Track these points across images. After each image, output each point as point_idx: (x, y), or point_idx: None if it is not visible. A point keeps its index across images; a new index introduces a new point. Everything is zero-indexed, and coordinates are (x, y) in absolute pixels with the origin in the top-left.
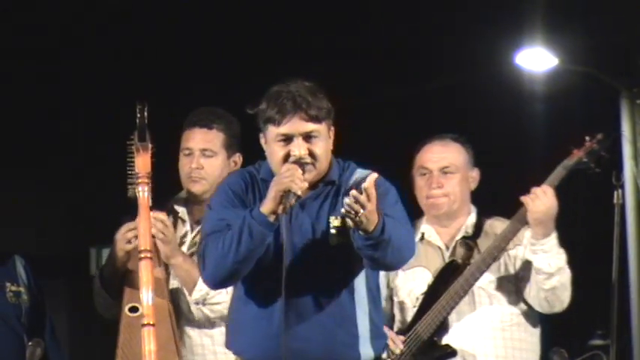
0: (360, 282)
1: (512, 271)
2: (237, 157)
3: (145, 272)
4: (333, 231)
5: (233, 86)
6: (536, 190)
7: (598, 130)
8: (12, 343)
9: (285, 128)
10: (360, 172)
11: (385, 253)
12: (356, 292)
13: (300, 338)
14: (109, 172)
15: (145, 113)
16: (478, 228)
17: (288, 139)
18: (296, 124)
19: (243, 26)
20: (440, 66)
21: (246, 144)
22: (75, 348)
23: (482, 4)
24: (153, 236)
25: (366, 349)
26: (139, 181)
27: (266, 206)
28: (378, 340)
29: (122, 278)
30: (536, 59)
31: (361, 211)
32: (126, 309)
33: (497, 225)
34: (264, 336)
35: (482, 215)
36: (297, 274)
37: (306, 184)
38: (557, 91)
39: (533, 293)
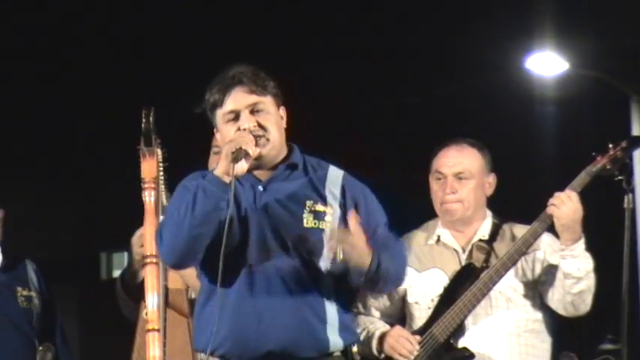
0: (326, 269)
1: (529, 275)
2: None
3: (151, 277)
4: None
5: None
6: (561, 196)
7: (608, 135)
8: (23, 347)
9: (229, 105)
10: (332, 170)
11: (385, 284)
12: (321, 279)
13: (268, 322)
14: (119, 178)
15: (151, 118)
16: (494, 232)
17: (236, 116)
18: (239, 98)
19: (260, 29)
20: (450, 71)
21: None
22: (85, 352)
23: (492, 9)
24: None
25: (334, 336)
26: (145, 186)
27: (218, 168)
28: (347, 333)
29: (141, 282)
30: (546, 63)
31: (349, 252)
32: (143, 312)
33: (514, 229)
34: (234, 329)
35: (498, 220)
36: (262, 256)
37: (257, 150)
38: (568, 95)
39: (558, 297)
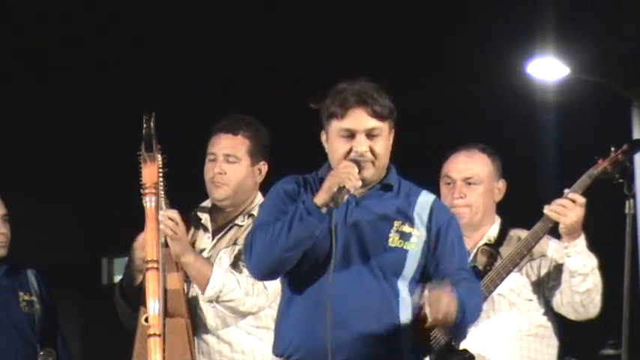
0: (405, 288)
1: (534, 280)
2: (262, 166)
3: (152, 283)
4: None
5: (265, 95)
6: (564, 202)
7: (610, 140)
8: (25, 351)
9: (348, 122)
10: (424, 195)
11: (465, 331)
12: (398, 296)
13: (343, 334)
14: (120, 182)
15: (152, 123)
16: (501, 237)
17: (350, 135)
18: (360, 119)
19: (259, 33)
20: (451, 76)
21: (273, 155)
22: (86, 357)
23: (493, 14)
24: (165, 245)
25: (407, 352)
26: (146, 191)
27: (319, 197)
28: (421, 348)
29: (140, 288)
30: (547, 69)
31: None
32: (142, 319)
33: (520, 234)
34: (310, 336)
35: (507, 226)
36: (344, 270)
37: (359, 183)
38: (569, 100)
39: (567, 299)
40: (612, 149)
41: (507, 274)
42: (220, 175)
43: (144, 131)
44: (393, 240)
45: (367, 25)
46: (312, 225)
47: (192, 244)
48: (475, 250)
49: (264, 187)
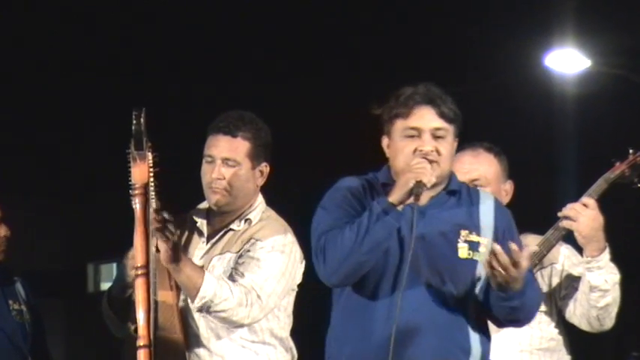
0: (473, 300)
1: (545, 290)
2: (264, 167)
3: (141, 291)
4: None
5: (265, 89)
6: (575, 207)
7: (631, 135)
8: None
9: (414, 121)
10: (484, 198)
11: (517, 314)
12: (468, 310)
13: (410, 347)
14: (108, 184)
15: (142, 120)
16: None
17: (416, 134)
18: (426, 118)
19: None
20: (466, 69)
21: (275, 154)
22: None
23: (510, 5)
24: (157, 250)
25: None
26: (136, 192)
27: (394, 195)
28: None
29: (130, 298)
30: (566, 61)
31: (502, 274)
32: (132, 329)
33: (530, 240)
34: (372, 346)
35: None
36: (413, 281)
37: (435, 179)
38: (589, 94)
39: (582, 311)
40: (630, 151)
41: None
42: (219, 180)
43: (133, 128)
44: (462, 251)
45: (378, 17)
46: (390, 225)
47: (186, 247)
48: None
49: (266, 190)
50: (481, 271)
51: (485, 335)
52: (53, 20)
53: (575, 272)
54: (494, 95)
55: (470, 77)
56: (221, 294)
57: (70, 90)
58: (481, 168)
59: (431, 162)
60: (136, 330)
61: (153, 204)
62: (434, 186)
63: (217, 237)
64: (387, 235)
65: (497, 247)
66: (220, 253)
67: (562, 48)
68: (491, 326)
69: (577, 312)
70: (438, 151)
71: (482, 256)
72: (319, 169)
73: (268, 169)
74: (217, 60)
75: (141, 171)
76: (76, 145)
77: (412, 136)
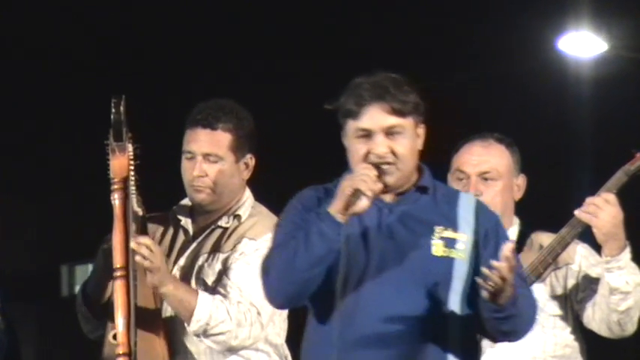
0: (456, 304)
1: (560, 293)
2: (249, 159)
3: (120, 294)
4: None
5: (246, 75)
6: (596, 201)
7: None
8: None
9: (364, 121)
10: (464, 196)
11: (514, 326)
12: (445, 314)
13: (380, 357)
14: (83, 178)
15: (122, 108)
16: (520, 242)
17: (368, 134)
18: (376, 117)
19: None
20: (474, 53)
21: (261, 144)
22: None
23: None
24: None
25: None
26: (114, 187)
27: (333, 205)
28: None
29: (109, 299)
30: (582, 44)
31: (499, 284)
32: (110, 336)
33: (543, 239)
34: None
35: (526, 228)
36: (382, 285)
37: (378, 187)
38: (606, 79)
39: (602, 316)
40: None
41: (530, 286)
42: (201, 178)
43: (112, 117)
44: (437, 248)
45: (387, 6)
46: (329, 238)
47: (171, 247)
48: None
49: (253, 183)
50: (460, 271)
51: (471, 351)
52: (22, 6)
53: (593, 273)
54: (504, 82)
55: (477, 63)
56: (217, 315)
57: (37, 78)
58: (492, 160)
59: (387, 165)
60: (114, 337)
61: (133, 200)
62: (394, 190)
63: (204, 235)
64: (326, 249)
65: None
66: (209, 252)
67: (577, 31)
68: None
69: (596, 317)
70: (393, 152)
71: (460, 254)
72: (313, 165)
73: (254, 160)
74: (202, 45)
75: (120, 164)
76: (47, 134)
77: (364, 137)
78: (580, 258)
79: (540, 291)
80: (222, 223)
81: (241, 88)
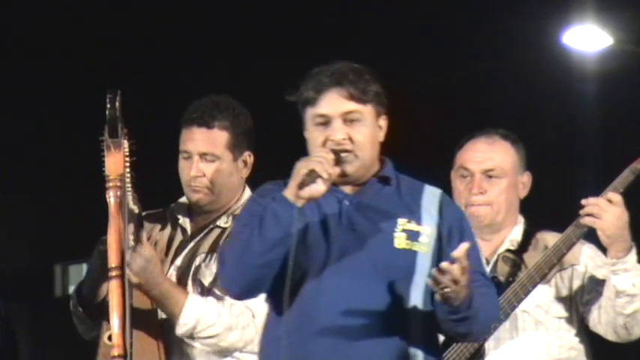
0: (419, 298)
1: (566, 295)
2: (247, 157)
3: (116, 294)
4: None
5: (245, 70)
6: (599, 202)
7: None
8: None
9: (322, 107)
10: (429, 189)
11: (470, 328)
12: (408, 310)
13: (341, 354)
14: (78, 176)
15: (117, 104)
16: (525, 241)
17: (326, 121)
18: (334, 102)
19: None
20: (476, 49)
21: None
22: None
23: None
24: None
25: None
26: (110, 184)
27: (289, 188)
28: None
29: (104, 299)
30: (586, 38)
31: (452, 287)
32: (105, 337)
33: (548, 238)
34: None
35: (531, 227)
36: (343, 279)
37: (335, 171)
38: (611, 74)
39: (607, 319)
40: None
41: (533, 287)
42: (199, 178)
43: (107, 113)
44: (399, 241)
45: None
46: (286, 222)
47: (168, 246)
48: (495, 258)
49: (253, 181)
50: (423, 264)
51: (433, 346)
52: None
53: (599, 275)
54: (507, 77)
55: (479, 58)
56: (206, 319)
57: (29, 74)
58: (496, 157)
59: (346, 153)
60: (110, 338)
61: (129, 197)
62: (354, 181)
63: (202, 234)
64: (281, 232)
65: (444, 264)
66: (207, 252)
67: (581, 24)
68: (505, 335)
69: (602, 320)
70: (351, 139)
71: (423, 247)
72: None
73: (252, 158)
74: (200, 39)
75: (116, 161)
76: (39, 132)
77: (322, 124)
78: (586, 259)
79: (545, 292)
80: (221, 222)
81: (241, 83)
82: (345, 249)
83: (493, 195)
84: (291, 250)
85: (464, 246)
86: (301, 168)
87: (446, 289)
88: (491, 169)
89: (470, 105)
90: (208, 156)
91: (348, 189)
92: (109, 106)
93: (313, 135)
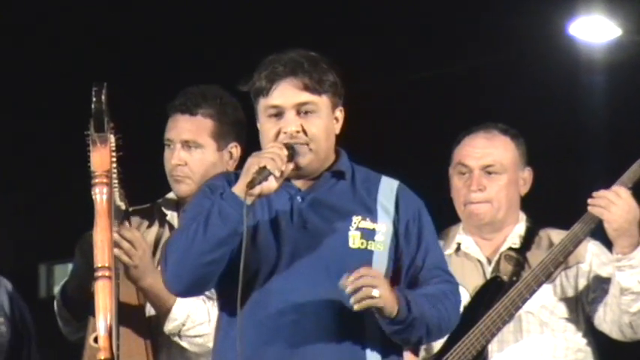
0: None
1: (571, 294)
2: (234, 148)
3: (103, 295)
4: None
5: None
6: (607, 195)
7: None
8: None
9: (275, 97)
10: (385, 181)
11: (419, 333)
12: (367, 318)
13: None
14: (62, 172)
15: (103, 97)
16: (528, 239)
17: (279, 113)
18: (287, 93)
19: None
20: (480, 40)
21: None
22: None
23: None
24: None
25: None
26: (96, 181)
27: (239, 184)
28: None
29: (90, 300)
30: (594, 29)
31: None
32: (91, 339)
33: (552, 236)
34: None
35: (534, 225)
36: (295, 280)
37: (288, 167)
38: (619, 66)
39: (612, 318)
40: None
41: (538, 287)
42: (179, 167)
43: (93, 106)
44: (354, 240)
45: None
46: (233, 219)
47: (156, 243)
48: (497, 257)
49: None
50: (380, 264)
51: (393, 349)
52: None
53: (605, 272)
54: (511, 69)
55: (484, 50)
56: (196, 317)
57: (12, 65)
58: (496, 153)
59: (299, 145)
60: (96, 340)
61: (116, 194)
62: (307, 175)
63: None
64: (227, 230)
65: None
66: None
67: (588, 15)
68: (509, 337)
69: (607, 318)
70: (305, 131)
71: (379, 245)
72: None
73: (239, 149)
74: (190, 31)
75: (101, 156)
76: (22, 129)
77: (275, 115)
78: (591, 256)
79: (550, 292)
80: None
81: (232, 75)
82: (296, 249)
83: (493, 192)
84: (242, 250)
85: (360, 272)
86: (252, 165)
87: (362, 303)
88: (491, 165)
89: (473, 99)
90: (190, 143)
91: (300, 183)
92: (94, 99)
93: (265, 127)
